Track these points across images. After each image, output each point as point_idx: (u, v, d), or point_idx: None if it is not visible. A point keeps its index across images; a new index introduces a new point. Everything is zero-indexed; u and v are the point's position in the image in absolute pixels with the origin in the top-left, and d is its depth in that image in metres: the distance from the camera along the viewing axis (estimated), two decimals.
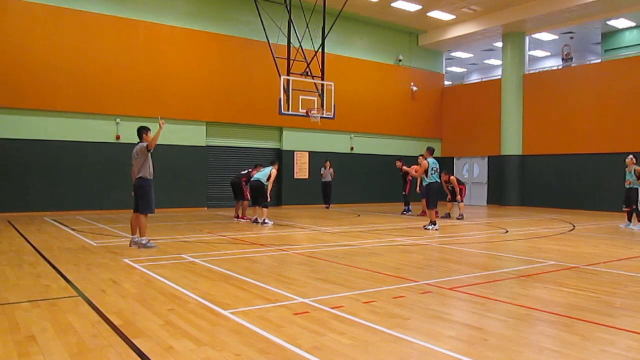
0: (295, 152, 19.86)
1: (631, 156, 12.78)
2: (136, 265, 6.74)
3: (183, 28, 17.28)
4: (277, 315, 4.38)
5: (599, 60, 22.40)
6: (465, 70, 32.45)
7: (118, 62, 16.05)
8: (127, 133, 16.25)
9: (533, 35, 22.50)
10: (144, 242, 8.28)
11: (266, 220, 12.51)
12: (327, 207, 18.74)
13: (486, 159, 22.79)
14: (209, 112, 17.82)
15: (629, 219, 12.80)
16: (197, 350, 3.53)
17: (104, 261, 7.08)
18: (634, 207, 12.59)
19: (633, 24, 21.99)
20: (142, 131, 8.37)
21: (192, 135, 17.58)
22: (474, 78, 30.93)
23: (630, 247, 9.29)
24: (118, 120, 16.10)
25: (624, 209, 12.98)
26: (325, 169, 18.79)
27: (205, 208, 17.70)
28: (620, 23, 21.80)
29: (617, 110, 18.51)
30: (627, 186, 12.68)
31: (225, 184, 18.57)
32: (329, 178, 18.77)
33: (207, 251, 8.12)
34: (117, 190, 15.78)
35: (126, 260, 7.11)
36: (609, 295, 5.26)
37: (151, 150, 8.21)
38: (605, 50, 23.66)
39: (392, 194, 21.30)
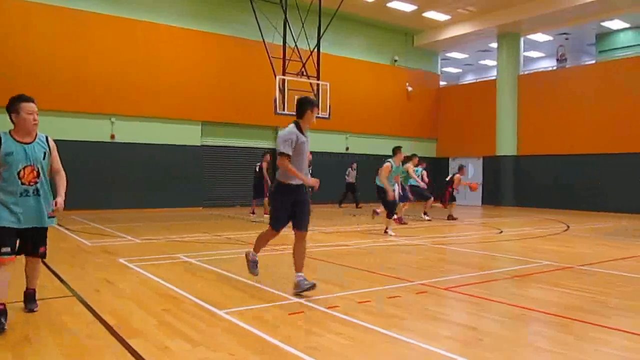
0: None
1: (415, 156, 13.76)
2: (131, 265, 6.72)
3: (179, 28, 17.23)
4: (273, 315, 4.38)
5: (594, 61, 22.53)
6: (460, 70, 32.52)
7: (114, 61, 15.98)
8: (122, 132, 16.21)
9: (528, 36, 22.59)
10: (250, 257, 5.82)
11: None
12: (358, 207, 19.04)
13: (481, 159, 22.84)
14: (204, 112, 17.78)
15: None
16: (192, 350, 3.52)
17: (99, 261, 7.05)
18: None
19: (627, 25, 22.13)
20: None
21: (188, 134, 17.53)
22: (470, 78, 31.02)
23: (625, 247, 9.34)
24: (113, 119, 16.04)
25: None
26: (351, 169, 19.27)
27: (201, 208, 17.65)
28: (614, 24, 21.93)
29: (611, 111, 18.58)
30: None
31: (220, 183, 18.59)
32: (352, 179, 19.30)
33: (203, 251, 8.09)
34: (112, 190, 15.73)
35: (121, 260, 7.08)
36: (603, 296, 5.28)
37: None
38: (599, 52, 23.80)
39: None
